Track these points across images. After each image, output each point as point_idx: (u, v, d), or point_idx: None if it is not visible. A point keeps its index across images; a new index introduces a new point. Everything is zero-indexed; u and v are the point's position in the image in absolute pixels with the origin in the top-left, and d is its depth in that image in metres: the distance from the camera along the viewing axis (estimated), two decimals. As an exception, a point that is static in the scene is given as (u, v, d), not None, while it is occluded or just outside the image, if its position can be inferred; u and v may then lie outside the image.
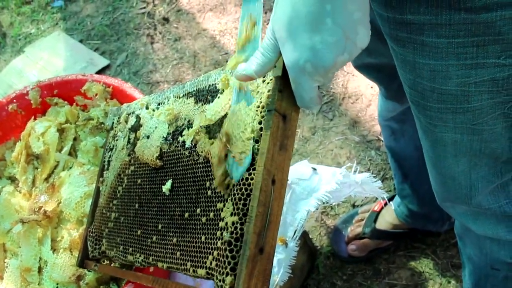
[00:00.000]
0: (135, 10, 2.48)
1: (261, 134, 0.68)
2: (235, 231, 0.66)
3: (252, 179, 0.67)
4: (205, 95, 0.84)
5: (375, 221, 1.57)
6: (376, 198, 1.67)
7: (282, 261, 1.18)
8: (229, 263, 0.66)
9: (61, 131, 1.29)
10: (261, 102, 0.69)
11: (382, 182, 1.66)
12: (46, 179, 1.25)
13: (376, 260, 1.58)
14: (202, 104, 0.84)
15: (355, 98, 1.92)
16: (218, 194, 0.73)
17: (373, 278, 1.55)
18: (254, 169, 0.67)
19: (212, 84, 0.83)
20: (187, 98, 0.89)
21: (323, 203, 1.19)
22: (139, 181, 0.95)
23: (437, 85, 0.73)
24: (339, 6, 0.54)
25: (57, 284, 1.10)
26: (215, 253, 0.69)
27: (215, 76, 0.83)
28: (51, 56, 2.39)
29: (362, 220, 1.60)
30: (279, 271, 1.18)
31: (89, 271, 1.07)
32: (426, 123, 0.81)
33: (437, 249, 1.56)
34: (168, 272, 1.17)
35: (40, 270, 1.14)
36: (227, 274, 0.65)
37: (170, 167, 0.87)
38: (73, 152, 1.28)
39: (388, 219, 1.56)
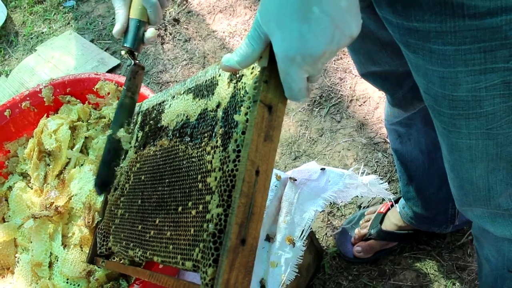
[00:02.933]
0: (146, 11, 2.49)
1: (246, 126, 0.67)
2: (219, 223, 0.66)
3: (236, 170, 0.66)
4: (202, 90, 0.85)
5: (381, 222, 1.58)
6: (383, 200, 1.69)
7: (289, 260, 1.19)
8: (212, 254, 0.65)
9: (73, 128, 1.31)
10: (246, 93, 0.70)
11: (388, 184, 1.67)
12: (58, 176, 1.27)
13: (382, 261, 1.59)
14: (199, 99, 0.85)
15: (362, 100, 1.94)
16: (207, 187, 0.73)
17: (378, 279, 1.56)
18: (239, 161, 0.67)
19: (209, 79, 0.85)
20: (186, 94, 0.90)
21: (330, 203, 1.21)
22: (142, 177, 0.96)
23: (448, 92, 0.73)
24: None
25: (67, 279, 1.12)
26: (201, 245, 0.69)
27: (211, 71, 0.84)
28: (62, 55, 2.41)
29: (368, 221, 1.62)
30: (286, 270, 1.19)
31: (98, 267, 1.09)
32: (442, 128, 0.81)
33: (442, 251, 1.57)
34: (177, 270, 1.18)
35: (50, 265, 1.16)
36: (209, 266, 0.65)
37: (169, 162, 0.88)
38: (84, 150, 1.30)
39: (393, 221, 1.57)
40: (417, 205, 1.46)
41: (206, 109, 0.81)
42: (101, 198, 1.17)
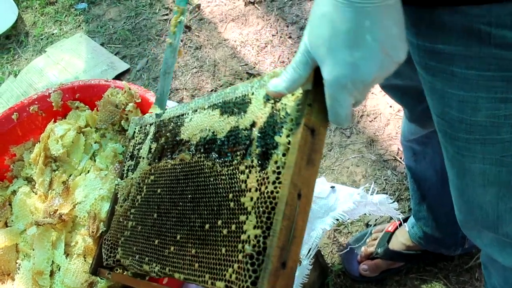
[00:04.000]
0: (158, 17, 2.49)
1: (288, 148, 0.68)
2: (257, 245, 0.66)
3: (277, 192, 0.66)
4: (231, 107, 0.84)
5: (388, 241, 1.56)
6: (390, 218, 1.66)
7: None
8: (249, 276, 0.65)
9: (81, 134, 1.29)
10: (288, 114, 0.70)
11: (397, 202, 1.65)
12: (64, 182, 1.25)
13: (388, 281, 1.56)
14: (228, 116, 0.84)
15: (373, 116, 1.91)
16: (241, 207, 0.73)
17: (383, 299, 1.54)
18: (280, 183, 0.67)
19: (239, 97, 0.83)
20: (212, 110, 0.89)
21: (339, 222, 1.19)
22: (158, 190, 0.95)
23: (466, 116, 0.72)
24: (377, 21, 0.54)
25: (69, 289, 1.10)
26: (236, 266, 0.69)
27: (242, 89, 0.83)
28: (72, 57, 2.40)
29: (376, 239, 1.59)
30: (291, 288, 1.17)
31: (101, 278, 1.07)
32: (454, 152, 0.80)
33: (449, 273, 1.55)
34: (182, 284, 1.16)
35: (52, 274, 1.14)
36: None
37: (192, 178, 0.86)
38: (92, 156, 1.28)
39: (401, 240, 1.55)
40: (427, 225, 1.44)
41: (237, 127, 0.80)
42: (106, 208, 1.15)
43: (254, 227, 0.68)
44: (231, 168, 0.78)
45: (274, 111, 0.74)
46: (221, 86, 2.16)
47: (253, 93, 0.80)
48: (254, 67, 2.19)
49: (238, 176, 0.76)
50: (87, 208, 1.16)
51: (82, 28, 2.55)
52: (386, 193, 1.60)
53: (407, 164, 1.41)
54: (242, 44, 2.29)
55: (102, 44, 2.44)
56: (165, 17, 2.47)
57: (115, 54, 2.39)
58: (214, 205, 0.79)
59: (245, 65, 2.21)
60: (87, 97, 1.32)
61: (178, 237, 0.84)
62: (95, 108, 1.31)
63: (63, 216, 1.15)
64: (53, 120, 1.33)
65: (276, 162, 0.69)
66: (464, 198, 0.90)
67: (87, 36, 2.48)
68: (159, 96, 1.11)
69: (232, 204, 0.75)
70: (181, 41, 2.38)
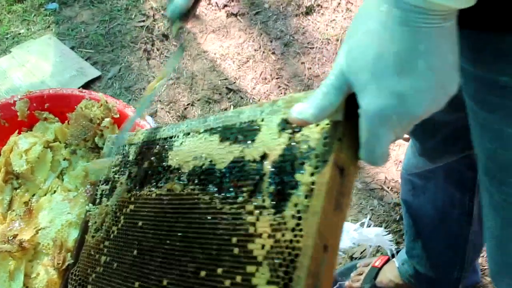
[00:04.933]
0: (134, 23, 2.35)
1: (311, 189, 0.57)
2: None
3: (298, 242, 0.56)
4: (235, 134, 0.72)
5: (375, 277, 1.47)
6: (376, 252, 1.57)
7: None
8: None
9: (48, 149, 1.15)
10: (312, 149, 0.60)
11: (385, 236, 1.55)
12: (26, 203, 1.11)
13: (373, 320, 1.46)
14: (230, 144, 0.72)
15: (360, 141, 1.82)
16: (248, 255, 0.62)
17: None
18: (300, 230, 0.57)
19: (245, 122, 0.71)
20: (209, 135, 0.77)
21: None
22: (140, 223, 0.82)
23: None
24: (434, 46, 0.47)
25: (26, 328, 0.96)
26: None
27: (248, 113, 0.71)
28: (39, 60, 2.25)
29: (361, 274, 1.50)
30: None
31: (66, 319, 0.93)
32: (500, 200, 0.71)
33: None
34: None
35: (7, 309, 1.00)
36: None
37: (183, 213, 0.74)
38: (59, 175, 1.14)
39: (389, 277, 1.46)
40: (421, 264, 1.35)
41: (243, 157, 0.69)
42: (74, 236, 1.01)
43: (268, 283, 0.57)
44: (235, 206, 0.66)
45: (293, 143, 0.63)
46: (198, 100, 2.05)
47: (263, 119, 0.69)
48: (235, 82, 2.08)
49: (244, 217, 0.64)
50: (52, 235, 1.02)
51: (52, 29, 2.40)
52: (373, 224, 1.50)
53: (404, 198, 1.32)
54: (222, 57, 2.17)
55: (72, 48, 2.29)
56: (141, 23, 2.34)
57: (86, 60, 2.25)
58: (212, 249, 0.67)
59: (225, 79, 2.10)
60: (57, 108, 1.18)
61: (165, 282, 0.72)
62: (66, 121, 1.17)
63: (23, 243, 1.01)
64: (17, 131, 1.19)
65: (296, 205, 0.59)
66: (503, 250, 0.80)
67: (57, 39, 2.33)
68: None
69: (236, 250, 0.63)
70: (157, 50, 2.25)
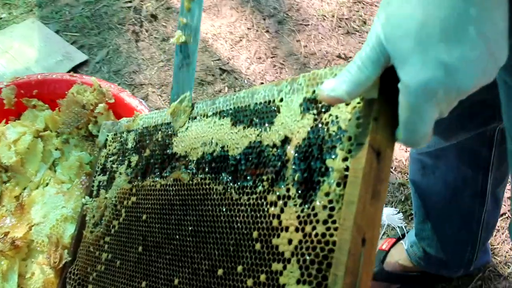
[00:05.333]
0: (120, 4, 2.26)
1: (345, 175, 0.51)
2: None
3: (332, 235, 0.51)
4: (249, 117, 0.65)
5: (382, 261, 1.42)
6: (383, 234, 1.52)
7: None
8: None
9: (38, 139, 1.08)
10: (342, 131, 0.53)
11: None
12: (17, 197, 1.03)
13: (382, 305, 1.41)
14: (244, 128, 0.65)
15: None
16: (273, 250, 0.56)
17: (378, 326, 1.39)
18: (334, 222, 0.51)
19: (260, 103, 0.65)
20: (218, 118, 0.70)
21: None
22: (144, 217, 0.76)
23: None
24: (486, 11, 0.42)
25: (23, 331, 0.90)
26: None
27: (264, 93, 0.65)
28: (22, 45, 2.15)
29: (368, 258, 1.44)
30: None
31: (66, 321, 0.87)
32: None
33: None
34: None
35: (2, 311, 0.93)
36: None
37: (193, 205, 0.68)
38: (51, 166, 1.07)
39: (398, 260, 1.41)
40: (431, 246, 1.30)
41: (260, 142, 0.62)
42: (70, 231, 0.94)
43: (298, 282, 0.52)
44: (254, 196, 0.60)
45: (319, 125, 0.56)
46: (191, 82, 1.96)
47: (281, 100, 0.62)
48: (228, 63, 2.00)
49: (265, 209, 0.58)
50: (46, 231, 0.96)
51: (35, 13, 2.29)
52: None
53: (412, 178, 1.26)
54: (214, 37, 2.09)
55: (57, 32, 2.20)
56: (129, 4, 2.24)
57: (72, 44, 2.15)
58: (229, 244, 0.61)
59: (218, 60, 2.02)
60: (47, 95, 1.11)
61: (176, 281, 0.67)
62: (56, 108, 1.09)
63: (16, 240, 0.94)
64: (4, 121, 1.11)
65: (327, 194, 0.53)
66: None
67: (40, 22, 2.23)
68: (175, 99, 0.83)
69: (258, 245, 0.58)
70: (146, 31, 2.16)
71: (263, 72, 1.96)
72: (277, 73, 1.96)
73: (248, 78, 1.95)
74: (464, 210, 1.21)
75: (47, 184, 1.04)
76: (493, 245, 1.48)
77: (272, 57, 2.00)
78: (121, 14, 2.22)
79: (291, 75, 1.94)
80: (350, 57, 1.94)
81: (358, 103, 0.53)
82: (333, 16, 2.09)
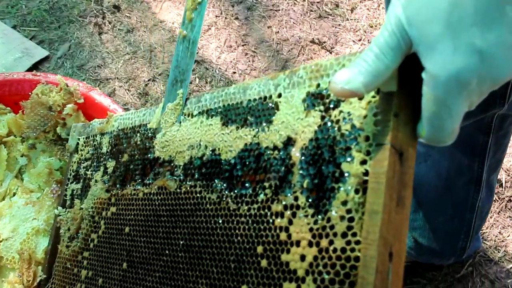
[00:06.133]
0: (80, -5, 2.15)
1: (364, 181, 0.46)
2: None
3: (353, 251, 0.45)
4: (242, 115, 0.59)
5: (372, 252, 1.37)
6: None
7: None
8: None
9: (1, 146, 0.99)
10: (357, 129, 0.47)
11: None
12: (-20, 211, 0.94)
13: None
14: (236, 128, 0.58)
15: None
16: (283, 268, 0.49)
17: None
18: (353, 235, 0.45)
19: (255, 99, 0.58)
20: (207, 118, 0.63)
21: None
22: (126, 229, 0.69)
23: None
24: None
25: None
26: None
27: (257, 88, 0.58)
28: (-23, 43, 2.03)
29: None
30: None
31: None
32: None
33: (439, 285, 1.38)
34: None
35: (-29, 337, 0.85)
36: None
37: (183, 216, 0.61)
38: (18, 174, 0.98)
39: (387, 251, 1.36)
40: (423, 236, 1.26)
41: (258, 144, 0.55)
42: (43, 245, 0.86)
43: None
44: (256, 206, 0.53)
45: (329, 124, 0.49)
46: (159, 74, 1.88)
47: (280, 95, 0.55)
48: (198, 52, 1.92)
49: (270, 220, 0.52)
50: (16, 247, 0.88)
51: (-12, 8, 2.17)
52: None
53: (403, 166, 1.21)
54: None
55: (14, 27, 2.08)
56: (89, -5, 2.14)
57: (31, 39, 2.04)
58: (229, 261, 0.54)
59: (187, 50, 1.93)
60: (8, 96, 1.02)
61: None
62: (20, 111, 1.00)
63: (-17, 259, 0.85)
64: (-38, 127, 1.02)
65: (344, 203, 0.46)
66: None
67: (-5, 18, 2.11)
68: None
69: (264, 262, 0.51)
70: (109, 23, 2.06)
71: (234, 61, 1.89)
72: (249, 61, 1.89)
73: (220, 68, 1.87)
74: (457, 198, 1.17)
75: (14, 194, 0.96)
76: (482, 230, 1.45)
77: (243, 45, 1.93)
78: (81, 6, 2.12)
79: (264, 63, 1.88)
80: (324, 42, 1.88)
81: (373, 96, 0.46)
82: (304, 0, 2.02)
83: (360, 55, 0.43)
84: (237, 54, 1.91)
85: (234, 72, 1.87)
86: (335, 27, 1.94)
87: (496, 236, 1.42)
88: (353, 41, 1.89)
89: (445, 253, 1.29)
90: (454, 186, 1.15)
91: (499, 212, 1.45)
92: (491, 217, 1.44)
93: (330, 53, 1.86)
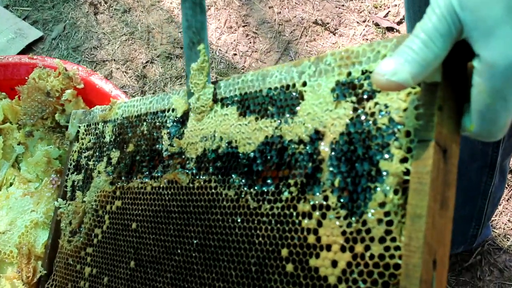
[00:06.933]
0: (75, -27, 2.08)
1: (405, 181, 0.41)
2: None
3: (391, 257, 0.41)
4: (261, 105, 0.54)
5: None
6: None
7: None
8: None
9: (-4, 133, 0.94)
10: (395, 123, 0.43)
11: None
12: (-24, 202, 0.90)
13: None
14: (256, 118, 0.54)
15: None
16: (312, 274, 0.46)
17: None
18: (393, 240, 0.41)
19: (275, 88, 0.53)
20: (221, 107, 0.58)
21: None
22: (133, 225, 0.64)
23: None
24: None
25: None
26: None
27: (279, 76, 0.53)
28: (-32, 23, 1.96)
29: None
30: None
31: None
32: None
33: (447, 274, 1.34)
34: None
35: (-32, 335, 0.81)
36: None
37: (196, 213, 0.57)
38: (15, 163, 0.93)
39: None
40: None
41: (281, 137, 0.51)
42: (43, 239, 0.82)
43: None
44: (280, 205, 0.49)
45: (363, 117, 0.45)
46: (158, 56, 1.83)
47: (304, 84, 0.51)
48: (197, 34, 1.86)
49: (296, 221, 0.47)
50: (14, 240, 0.83)
51: (-21, -13, 2.10)
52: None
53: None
54: (179, 6, 1.94)
55: (6, 7, 2.02)
56: (84, -27, 2.07)
57: (24, 19, 1.99)
58: (249, 263, 0.50)
59: (186, 31, 1.87)
60: (3, 81, 0.98)
61: None
62: (16, 96, 0.95)
63: (-20, 253, 0.81)
64: (-45, 113, 0.97)
65: (382, 205, 0.42)
66: None
67: (-14, -3, 2.05)
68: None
69: (290, 266, 0.47)
70: (105, 2, 2.00)
71: (235, 42, 1.84)
72: (250, 42, 1.83)
73: (220, 50, 1.82)
74: (469, 184, 1.13)
75: (11, 185, 0.91)
76: (493, 218, 1.41)
77: (244, 26, 1.88)
78: (76, -16, 2.05)
79: (266, 45, 1.82)
80: (328, 23, 1.83)
81: (413, 87, 0.42)
82: (306, -20, 1.96)
83: (404, 42, 0.38)
84: (237, 35, 1.86)
85: (235, 54, 1.82)
86: (339, 8, 1.88)
87: (505, 224, 1.39)
88: (357, 22, 1.83)
89: (455, 241, 1.26)
90: (467, 171, 1.11)
91: (508, 199, 1.42)
92: (500, 205, 1.41)
93: (334, 34, 1.81)
